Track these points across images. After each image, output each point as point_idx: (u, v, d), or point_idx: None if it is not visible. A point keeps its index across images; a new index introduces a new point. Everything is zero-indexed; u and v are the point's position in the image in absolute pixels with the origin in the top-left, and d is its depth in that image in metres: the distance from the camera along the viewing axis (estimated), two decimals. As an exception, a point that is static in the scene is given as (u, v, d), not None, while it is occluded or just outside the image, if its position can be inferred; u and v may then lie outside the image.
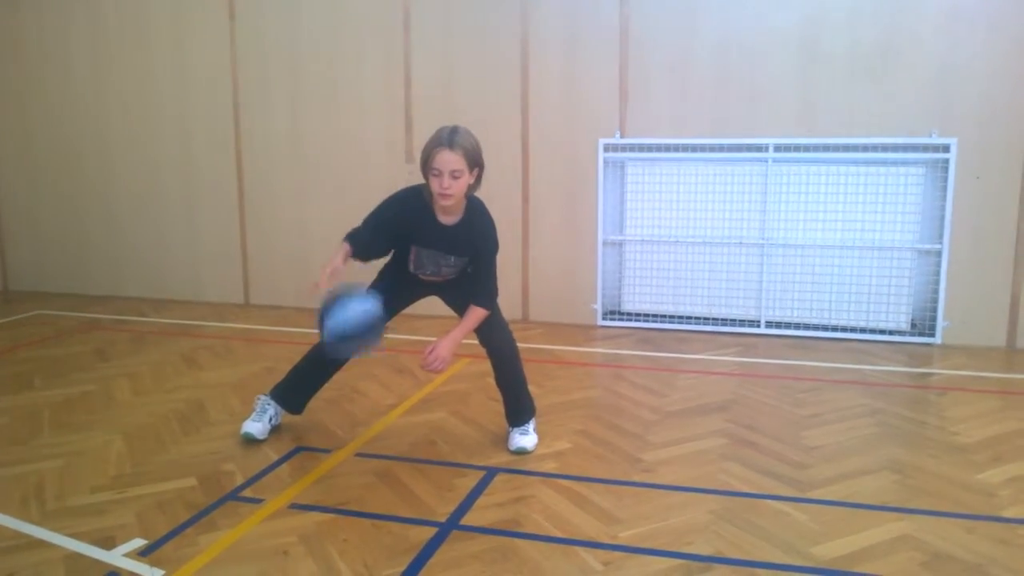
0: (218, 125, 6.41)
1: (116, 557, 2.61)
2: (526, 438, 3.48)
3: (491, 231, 3.30)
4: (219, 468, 3.31)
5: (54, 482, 3.20)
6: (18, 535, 2.77)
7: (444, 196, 3.10)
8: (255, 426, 3.56)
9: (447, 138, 3.08)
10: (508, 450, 3.45)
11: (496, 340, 3.45)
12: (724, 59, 5.26)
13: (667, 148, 5.44)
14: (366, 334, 3.07)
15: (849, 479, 3.13)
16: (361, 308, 3.08)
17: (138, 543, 2.69)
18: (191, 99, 6.45)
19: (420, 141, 5.85)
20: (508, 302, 5.84)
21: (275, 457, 3.40)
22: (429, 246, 3.29)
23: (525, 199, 5.74)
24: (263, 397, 3.66)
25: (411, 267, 3.38)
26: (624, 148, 5.51)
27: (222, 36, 6.27)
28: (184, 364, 4.84)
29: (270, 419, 3.61)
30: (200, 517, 2.87)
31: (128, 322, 6.02)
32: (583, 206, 5.63)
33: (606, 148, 5.51)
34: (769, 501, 2.94)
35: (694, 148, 5.39)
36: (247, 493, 3.07)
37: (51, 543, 2.71)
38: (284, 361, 4.56)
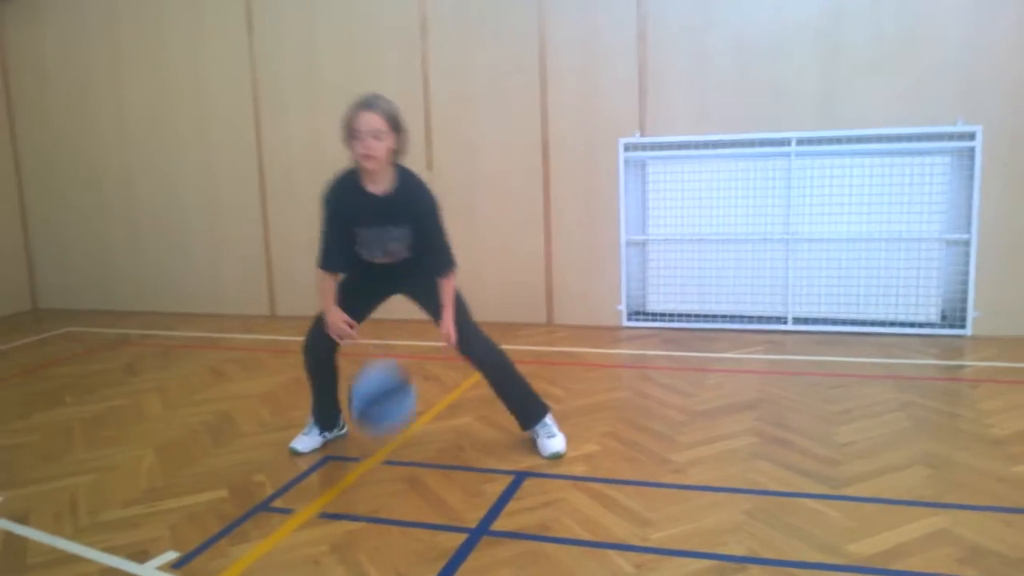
0: (238, 138, 6.46)
1: (149, 570, 2.63)
2: (554, 440, 3.46)
3: (426, 193, 3.27)
4: (249, 479, 3.32)
5: (87, 497, 3.23)
6: (53, 550, 2.80)
7: (367, 157, 3.10)
8: (301, 440, 3.61)
9: (365, 101, 3.13)
10: (542, 457, 3.42)
11: (475, 349, 3.42)
12: (743, 53, 5.23)
13: (688, 146, 5.41)
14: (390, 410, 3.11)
15: (882, 475, 3.09)
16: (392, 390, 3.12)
17: (171, 556, 2.71)
18: (210, 113, 6.50)
19: (440, 148, 5.92)
20: (532, 305, 5.85)
21: (304, 467, 3.42)
22: (369, 223, 3.25)
23: (546, 201, 5.73)
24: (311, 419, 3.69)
25: (363, 255, 3.34)
26: (644, 147, 5.48)
27: (240, 49, 6.32)
28: (212, 376, 4.87)
29: (320, 433, 3.64)
30: (232, 528, 2.89)
31: (155, 336, 6.07)
32: (605, 206, 5.61)
33: (626, 147, 5.49)
34: (802, 499, 2.91)
35: (715, 145, 5.35)
36: (278, 503, 3.08)
37: (85, 558, 2.73)
38: (311, 371, 4.57)
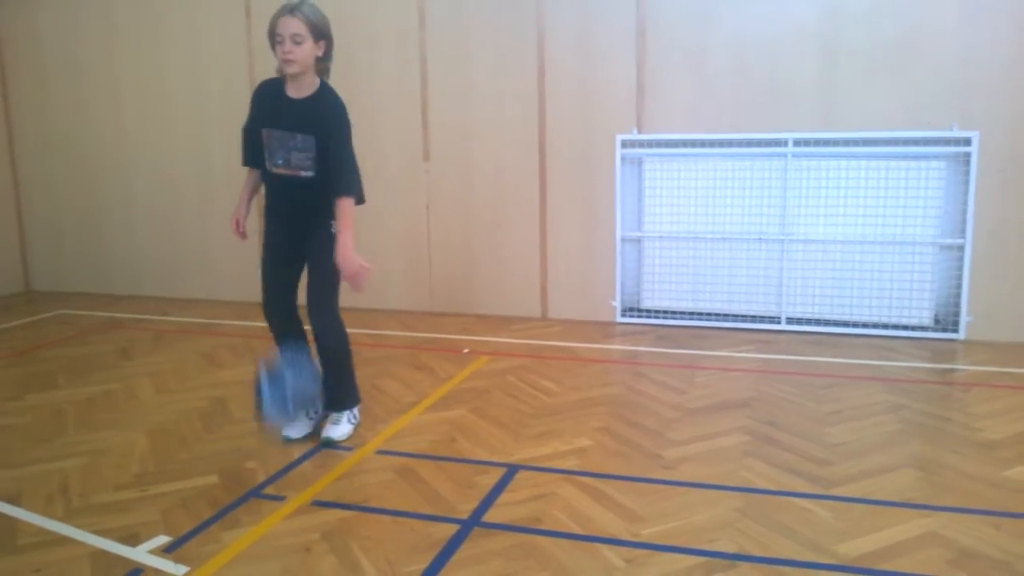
0: (233, 125, 6.36)
1: (141, 554, 2.63)
2: (335, 428, 3.55)
3: (341, 110, 3.32)
4: (241, 466, 3.33)
5: (79, 480, 3.23)
6: (44, 532, 2.80)
7: (287, 62, 3.18)
8: (292, 427, 3.60)
9: (288, 6, 3.19)
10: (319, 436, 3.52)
11: (320, 328, 3.47)
12: (742, 53, 5.23)
13: (685, 143, 5.41)
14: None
15: (873, 476, 3.11)
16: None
17: (162, 540, 2.71)
18: (206, 98, 6.47)
19: (437, 141, 5.92)
20: (527, 299, 5.86)
21: (297, 455, 3.42)
22: (277, 124, 3.30)
23: (542, 196, 5.73)
24: None
25: (268, 164, 3.38)
26: (642, 144, 5.48)
27: (238, 33, 6.29)
28: (205, 362, 4.86)
29: (308, 415, 3.63)
30: (223, 514, 2.89)
31: (149, 321, 6.05)
32: (601, 203, 5.61)
33: (623, 144, 5.49)
34: (792, 498, 2.93)
35: (712, 143, 5.36)
36: (269, 490, 3.08)
37: (76, 540, 2.74)
38: (304, 359, 4.57)
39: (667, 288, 5.59)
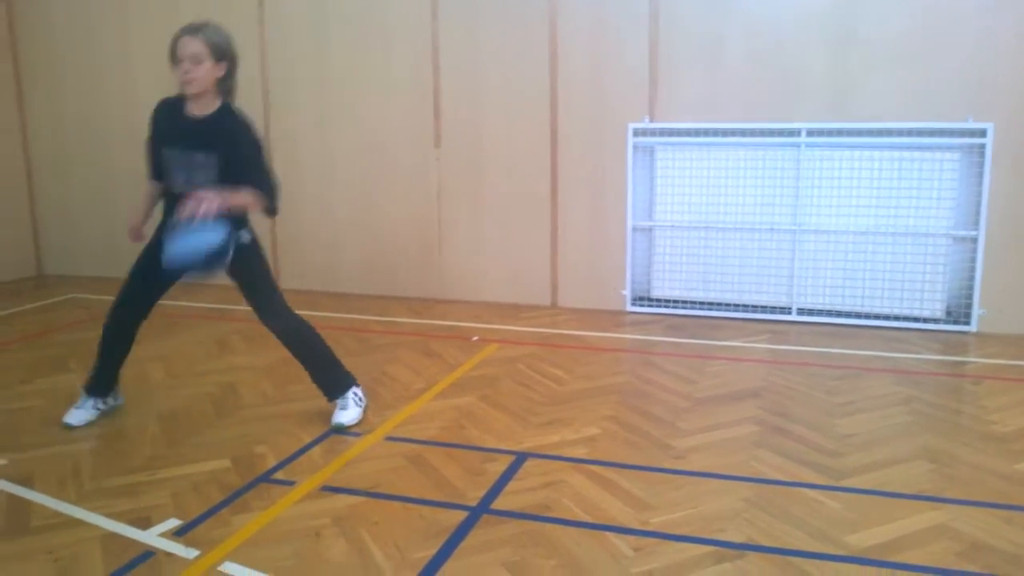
0: (246, 111, 6.42)
1: (152, 537, 2.65)
2: (343, 413, 3.56)
3: (246, 127, 3.30)
4: (252, 450, 3.34)
5: (90, 463, 3.25)
6: (56, 514, 2.82)
7: (186, 82, 3.16)
8: (74, 414, 3.62)
9: (190, 27, 3.19)
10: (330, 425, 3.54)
11: (274, 325, 3.51)
12: (756, 42, 5.19)
13: (697, 133, 5.39)
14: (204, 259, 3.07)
15: (883, 468, 3.10)
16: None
17: (173, 523, 2.73)
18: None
19: (449, 127, 5.90)
20: (537, 287, 5.85)
21: (307, 440, 3.43)
22: (178, 143, 3.26)
23: (553, 184, 5.72)
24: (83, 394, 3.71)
25: (169, 184, 3.36)
26: (654, 133, 5.46)
27: (251, 22, 6.28)
28: (217, 347, 4.88)
29: (94, 406, 3.67)
30: (234, 498, 2.91)
31: (160, 306, 5.99)
32: (612, 192, 5.59)
33: (635, 133, 5.47)
34: (802, 489, 2.92)
35: (725, 133, 5.33)
36: (279, 475, 3.10)
37: (88, 522, 2.76)
38: (314, 345, 4.58)
39: (678, 277, 5.57)
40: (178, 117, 3.28)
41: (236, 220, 3.26)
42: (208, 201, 2.99)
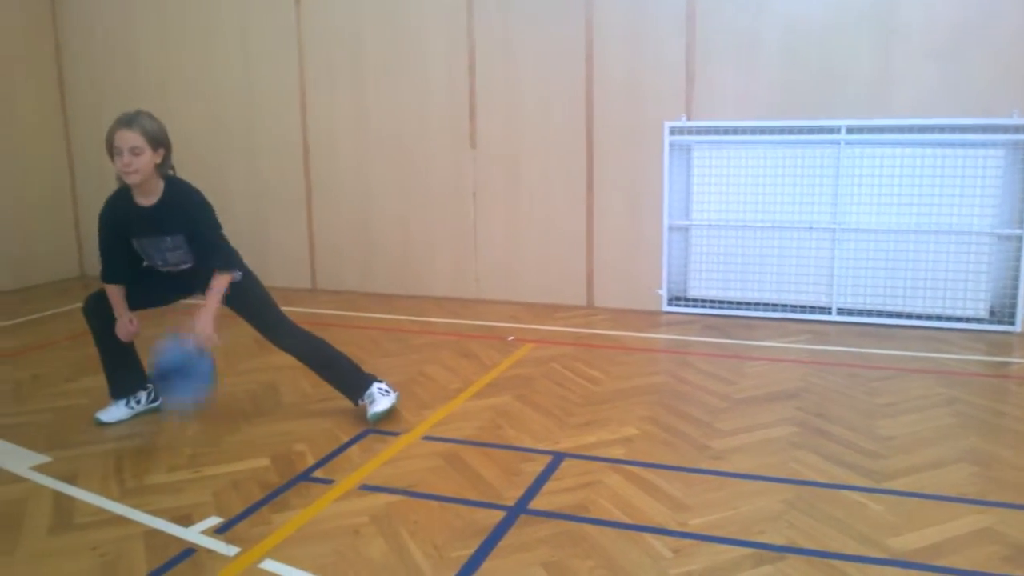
0: (284, 114, 6.50)
1: (193, 534, 2.68)
2: (374, 405, 3.61)
3: (195, 199, 3.42)
4: (291, 449, 3.37)
5: (132, 461, 3.30)
6: (100, 511, 2.87)
7: (127, 173, 3.25)
8: (107, 411, 3.73)
9: (125, 119, 3.27)
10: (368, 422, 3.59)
11: (287, 345, 3.63)
12: (795, 38, 5.14)
13: (735, 131, 5.34)
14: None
15: (926, 470, 3.05)
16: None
17: (214, 521, 2.76)
18: (257, 89, 6.54)
19: (484, 126, 5.91)
20: (573, 287, 5.84)
21: (345, 439, 3.45)
22: (142, 233, 3.41)
23: (589, 183, 5.70)
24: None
25: (151, 265, 3.52)
26: (691, 131, 5.42)
27: (288, 23, 6.35)
28: (256, 347, 4.92)
29: (127, 404, 3.76)
30: (273, 496, 2.93)
31: (200, 305, 6.12)
32: (648, 190, 5.56)
33: (672, 131, 5.43)
34: (843, 491, 2.88)
35: (763, 131, 5.28)
36: (318, 474, 3.12)
37: (131, 519, 2.80)
38: (350, 344, 4.61)
39: (715, 277, 5.53)
40: (131, 211, 3.39)
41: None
42: (206, 330, 3.31)
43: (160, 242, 3.42)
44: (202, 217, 3.42)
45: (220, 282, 3.41)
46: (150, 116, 3.34)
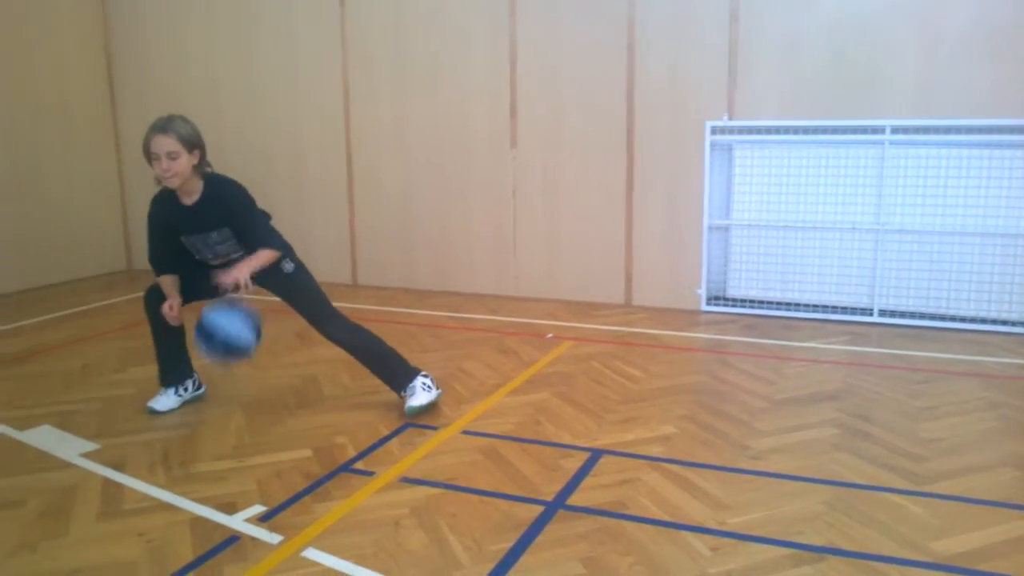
0: (328, 112, 6.58)
1: (237, 522, 2.74)
2: (413, 399, 3.65)
3: (234, 191, 3.51)
4: (332, 441, 3.42)
5: (179, 449, 3.37)
6: (147, 498, 2.94)
7: (167, 178, 3.35)
8: (158, 400, 3.82)
9: (159, 124, 3.35)
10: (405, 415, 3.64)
11: (333, 334, 3.71)
12: (839, 37, 5.09)
13: (777, 131, 5.31)
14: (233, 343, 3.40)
15: (969, 474, 3.02)
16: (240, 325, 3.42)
17: (258, 509, 2.82)
18: (301, 87, 6.63)
19: (526, 126, 5.93)
20: (612, 286, 5.85)
21: (385, 432, 3.50)
22: (189, 231, 3.52)
23: (629, 182, 5.70)
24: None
25: (202, 260, 3.61)
26: (732, 131, 5.40)
27: (332, 23, 6.42)
28: (298, 340, 5.00)
29: (176, 392, 3.85)
30: (316, 487, 2.98)
31: (245, 300, 6.23)
32: (689, 190, 5.55)
33: (713, 131, 5.41)
34: (884, 493, 2.86)
35: (806, 130, 5.24)
36: (359, 465, 3.17)
37: (178, 506, 2.86)
38: (390, 339, 4.61)
39: (755, 277, 5.50)
40: (177, 210, 3.49)
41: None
42: (239, 274, 3.34)
43: (206, 238, 3.52)
44: (240, 208, 3.50)
45: (263, 254, 3.49)
46: (183, 119, 3.42)
